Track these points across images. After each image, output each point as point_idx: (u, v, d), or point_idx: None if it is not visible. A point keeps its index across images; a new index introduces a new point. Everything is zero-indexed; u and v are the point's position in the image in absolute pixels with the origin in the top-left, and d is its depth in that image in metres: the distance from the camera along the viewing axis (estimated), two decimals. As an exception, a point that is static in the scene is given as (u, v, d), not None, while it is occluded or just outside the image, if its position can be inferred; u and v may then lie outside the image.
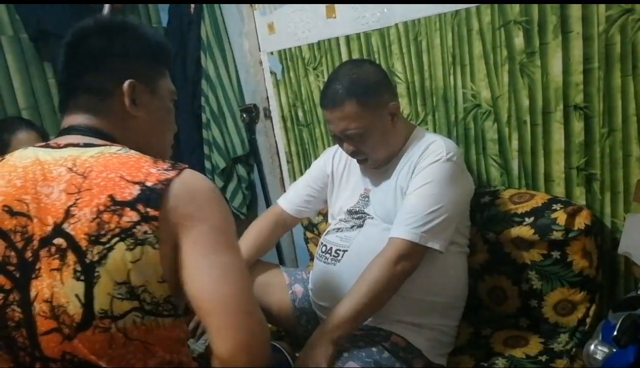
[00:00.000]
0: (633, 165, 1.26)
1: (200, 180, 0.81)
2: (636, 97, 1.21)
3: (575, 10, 1.25)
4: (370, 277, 1.18)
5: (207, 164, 2.34)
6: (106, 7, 2.27)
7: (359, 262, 1.28)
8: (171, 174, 0.78)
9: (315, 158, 2.09)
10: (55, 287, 0.74)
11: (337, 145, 1.46)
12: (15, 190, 0.78)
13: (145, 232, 0.74)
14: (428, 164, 1.25)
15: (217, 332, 0.75)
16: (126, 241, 0.73)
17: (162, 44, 0.96)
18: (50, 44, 2.16)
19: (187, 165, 0.82)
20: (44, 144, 0.86)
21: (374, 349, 1.20)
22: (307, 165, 2.15)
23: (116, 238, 0.73)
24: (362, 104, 1.25)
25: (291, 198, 1.57)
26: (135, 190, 0.75)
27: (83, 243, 0.74)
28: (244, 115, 2.24)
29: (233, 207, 2.35)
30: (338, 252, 1.35)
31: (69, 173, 0.78)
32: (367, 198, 1.40)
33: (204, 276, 0.76)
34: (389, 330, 1.25)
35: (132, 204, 0.74)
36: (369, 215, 1.37)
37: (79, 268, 0.73)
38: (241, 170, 2.36)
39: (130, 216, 0.74)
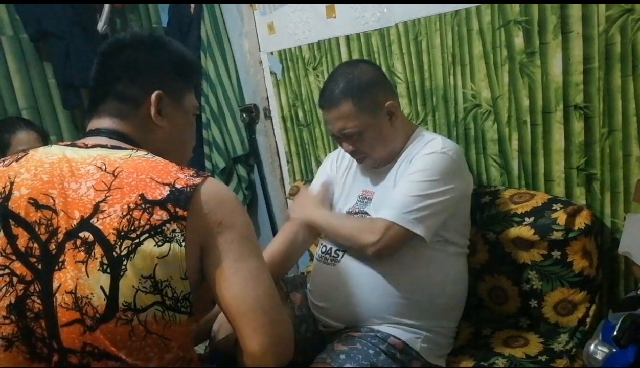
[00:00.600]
0: (633, 165, 1.26)
1: (224, 188, 0.89)
2: (636, 97, 1.21)
3: (575, 10, 1.25)
4: (352, 226, 1.30)
5: (207, 164, 2.34)
6: (106, 7, 2.27)
7: (357, 262, 1.28)
8: (197, 180, 0.83)
9: (315, 158, 2.10)
10: (80, 278, 0.76)
11: (339, 148, 1.47)
12: (42, 184, 0.81)
13: (173, 230, 0.78)
14: (423, 155, 1.28)
15: (253, 331, 0.81)
16: (155, 237, 0.78)
17: (192, 62, 1.02)
18: (50, 44, 2.16)
19: (209, 174, 0.87)
20: (69, 143, 0.90)
21: (370, 351, 1.20)
22: (307, 165, 2.15)
23: (145, 235, 0.77)
24: (358, 102, 1.27)
25: None
26: (165, 191, 0.80)
27: (112, 238, 0.77)
28: (244, 115, 2.24)
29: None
30: (337, 252, 1.35)
31: (99, 171, 0.82)
32: (366, 199, 1.40)
33: (238, 280, 0.82)
34: (387, 332, 1.25)
35: (162, 203, 0.79)
36: (368, 215, 1.37)
37: (105, 262, 0.76)
38: (241, 170, 2.36)
39: (160, 214, 0.78)
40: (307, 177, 2.18)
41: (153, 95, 0.93)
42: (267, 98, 2.23)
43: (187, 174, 0.84)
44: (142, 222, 0.78)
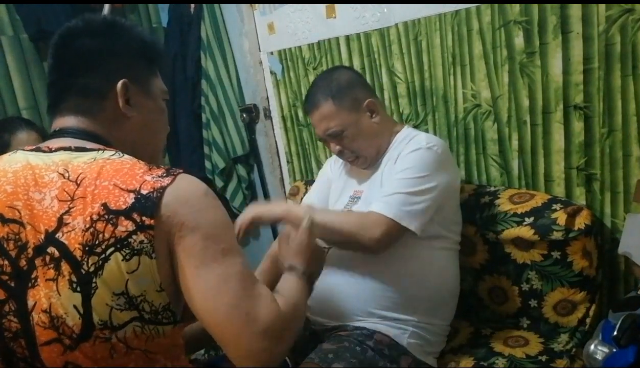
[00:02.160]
0: (633, 165, 1.26)
1: (192, 185, 0.78)
2: (636, 97, 1.21)
3: (575, 10, 1.25)
4: (349, 223, 1.24)
5: (207, 164, 2.34)
6: (106, 7, 2.26)
7: (342, 258, 1.30)
8: (166, 181, 0.75)
9: (315, 158, 2.10)
10: (53, 297, 0.72)
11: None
12: (6, 197, 0.75)
13: (141, 242, 0.72)
14: (408, 152, 1.29)
15: (222, 343, 0.76)
16: (122, 251, 0.71)
17: (153, 43, 0.94)
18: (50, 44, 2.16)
19: (182, 170, 0.79)
20: (34, 147, 0.83)
21: (357, 348, 1.21)
22: (307, 165, 2.15)
23: (112, 249, 0.71)
24: (338, 102, 1.34)
25: None
26: (130, 199, 0.73)
27: (78, 253, 0.71)
28: (244, 115, 2.24)
29: (233, 207, 2.36)
30: (324, 247, 1.37)
31: (61, 179, 0.75)
32: (356, 198, 1.43)
33: (199, 290, 0.75)
34: (372, 329, 1.26)
35: (127, 213, 0.72)
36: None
37: (74, 279, 0.71)
38: (241, 170, 2.36)
39: (126, 225, 0.72)
40: (307, 177, 2.18)
41: (119, 84, 0.85)
42: (267, 98, 2.23)
43: (155, 175, 0.76)
44: (107, 235, 0.71)
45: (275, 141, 2.28)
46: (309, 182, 1.96)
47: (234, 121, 2.27)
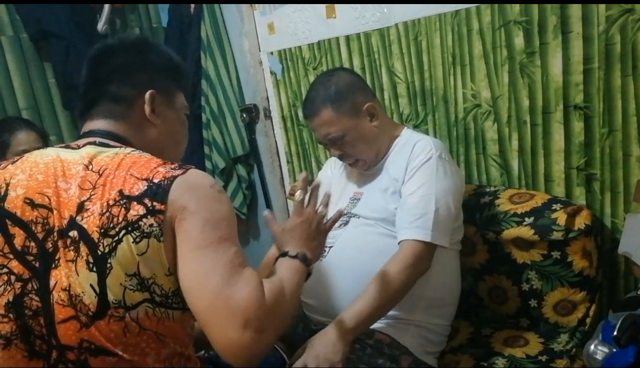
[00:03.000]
0: (633, 165, 1.26)
1: (201, 176, 0.84)
2: (636, 97, 1.21)
3: (575, 10, 1.25)
4: (391, 279, 1.18)
5: (207, 164, 2.34)
6: (106, 7, 2.27)
7: (343, 257, 1.31)
8: (178, 172, 0.82)
9: (316, 158, 2.10)
10: (71, 277, 0.77)
11: None
12: (37, 184, 0.82)
13: (151, 225, 0.77)
14: (420, 163, 1.29)
15: (206, 331, 0.75)
16: (132, 233, 0.77)
17: (180, 64, 1.04)
18: (50, 44, 2.16)
19: (194, 167, 0.85)
20: (64, 145, 0.90)
21: (356, 345, 1.20)
22: (307, 165, 2.15)
23: (123, 231, 0.77)
24: (337, 108, 1.33)
25: None
26: (143, 186, 0.79)
27: (95, 236, 0.77)
28: (244, 115, 2.24)
29: (233, 206, 2.35)
30: (324, 249, 1.37)
31: (85, 170, 0.82)
32: (356, 200, 1.43)
33: (190, 272, 0.77)
34: (372, 328, 1.25)
35: (139, 198, 0.78)
36: (355, 214, 1.40)
37: (91, 260, 0.77)
38: (241, 170, 2.36)
39: (137, 209, 0.77)
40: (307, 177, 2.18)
41: (147, 94, 0.94)
42: (267, 98, 2.23)
43: (169, 168, 0.83)
44: (120, 219, 0.77)
45: (275, 141, 2.29)
46: (309, 182, 1.96)
47: (234, 121, 2.27)
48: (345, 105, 1.34)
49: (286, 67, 2.07)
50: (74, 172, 0.83)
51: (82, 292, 0.77)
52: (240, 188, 2.37)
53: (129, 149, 0.88)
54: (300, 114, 2.09)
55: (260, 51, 2.17)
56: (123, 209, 0.78)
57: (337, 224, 1.43)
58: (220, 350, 0.75)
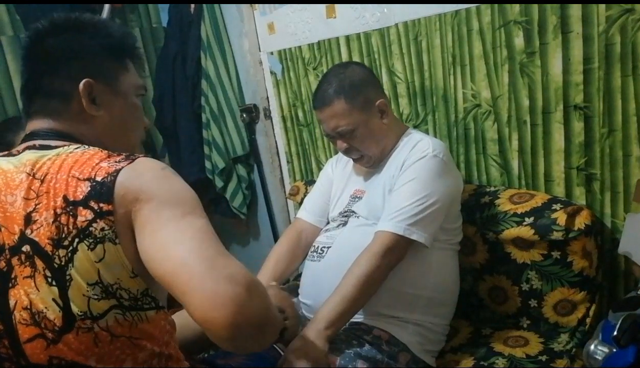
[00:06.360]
0: (633, 165, 1.26)
1: (149, 163, 0.77)
2: (636, 97, 1.21)
3: (575, 10, 1.25)
4: (357, 270, 1.20)
5: (207, 164, 2.34)
6: (106, 7, 2.27)
7: (340, 257, 1.31)
8: (122, 164, 0.75)
9: (316, 158, 2.10)
10: (32, 293, 0.73)
11: (337, 154, 1.51)
12: None
13: (102, 229, 0.72)
14: (415, 160, 1.29)
15: (181, 292, 0.68)
16: (86, 241, 0.72)
17: (121, 37, 0.92)
18: (50, 44, 2.16)
19: (143, 155, 0.78)
20: (5, 153, 0.84)
21: (354, 342, 1.21)
22: (307, 165, 2.15)
23: (77, 239, 0.72)
24: (351, 101, 1.32)
25: (311, 209, 1.59)
26: (86, 187, 0.73)
27: (49, 248, 0.72)
28: (244, 115, 2.24)
29: (233, 206, 2.36)
30: (323, 249, 1.38)
31: (28, 178, 0.76)
32: (357, 198, 1.43)
33: (156, 252, 0.71)
34: (371, 324, 1.26)
35: (84, 203, 0.72)
36: (355, 213, 1.40)
37: (48, 274, 0.72)
38: (241, 170, 2.36)
39: (85, 215, 0.72)
40: (307, 177, 2.18)
41: (81, 85, 0.84)
42: (267, 98, 2.23)
43: (113, 161, 0.75)
44: (70, 227, 0.72)
45: (275, 141, 2.28)
46: (309, 182, 1.96)
47: (234, 121, 2.27)
48: (358, 99, 1.33)
49: (286, 67, 2.07)
50: (17, 182, 0.76)
51: (46, 308, 0.72)
52: (240, 188, 2.37)
53: (72, 147, 0.80)
54: (301, 114, 2.09)
55: (260, 51, 2.17)
56: (71, 217, 0.72)
57: (335, 224, 1.45)
58: (206, 310, 0.66)
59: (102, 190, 0.72)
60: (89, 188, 0.73)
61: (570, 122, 1.34)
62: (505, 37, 1.39)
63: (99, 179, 0.73)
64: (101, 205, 0.72)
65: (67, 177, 0.74)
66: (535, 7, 1.31)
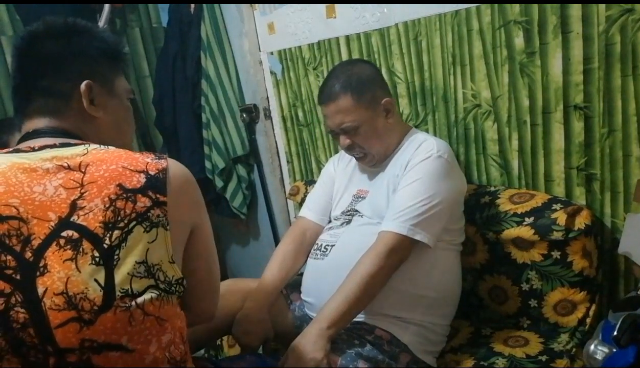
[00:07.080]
0: (633, 165, 1.26)
1: (185, 169, 0.90)
2: (636, 97, 1.21)
3: (575, 10, 1.25)
4: (361, 270, 1.20)
5: (207, 164, 2.34)
6: (106, 7, 2.27)
7: (344, 256, 1.31)
8: (163, 163, 0.85)
9: (316, 158, 2.10)
10: (72, 276, 0.76)
11: (339, 153, 1.51)
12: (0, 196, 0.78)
13: (158, 216, 0.82)
14: (419, 161, 1.29)
15: (205, 298, 0.99)
16: (143, 224, 0.80)
17: (115, 43, 0.98)
18: (50, 44, 2.16)
19: (165, 154, 0.89)
20: (11, 149, 0.86)
21: (356, 341, 1.21)
22: (307, 165, 2.15)
23: (134, 222, 0.80)
24: (357, 98, 1.32)
25: (314, 207, 1.59)
26: (142, 178, 0.82)
27: (99, 231, 0.78)
28: (244, 115, 2.24)
29: (233, 206, 2.36)
30: (327, 247, 1.38)
31: (62, 170, 0.81)
32: (360, 198, 1.43)
33: (203, 259, 0.95)
34: (373, 324, 1.26)
35: (142, 191, 0.81)
36: (358, 212, 1.41)
37: (96, 255, 0.77)
38: (241, 170, 2.36)
39: (144, 201, 0.81)
40: (307, 177, 2.18)
41: (82, 86, 0.90)
42: (267, 98, 2.23)
43: (152, 158, 0.86)
44: (128, 211, 0.80)
45: (275, 141, 2.29)
46: (309, 182, 1.97)
47: (234, 121, 2.27)
48: (365, 96, 1.33)
49: (286, 67, 2.07)
50: (41, 172, 0.80)
51: (86, 288, 0.76)
52: (240, 189, 2.37)
53: (93, 145, 0.85)
54: (301, 114, 2.09)
55: (260, 51, 2.17)
56: (130, 202, 0.80)
57: (339, 222, 1.44)
58: (204, 317, 1.02)
59: (157, 184, 0.83)
60: (145, 180, 0.82)
61: (570, 122, 1.34)
62: (505, 37, 1.39)
63: (151, 173, 0.83)
64: (158, 196, 0.82)
65: (118, 168, 0.82)
66: (535, 7, 1.31)
